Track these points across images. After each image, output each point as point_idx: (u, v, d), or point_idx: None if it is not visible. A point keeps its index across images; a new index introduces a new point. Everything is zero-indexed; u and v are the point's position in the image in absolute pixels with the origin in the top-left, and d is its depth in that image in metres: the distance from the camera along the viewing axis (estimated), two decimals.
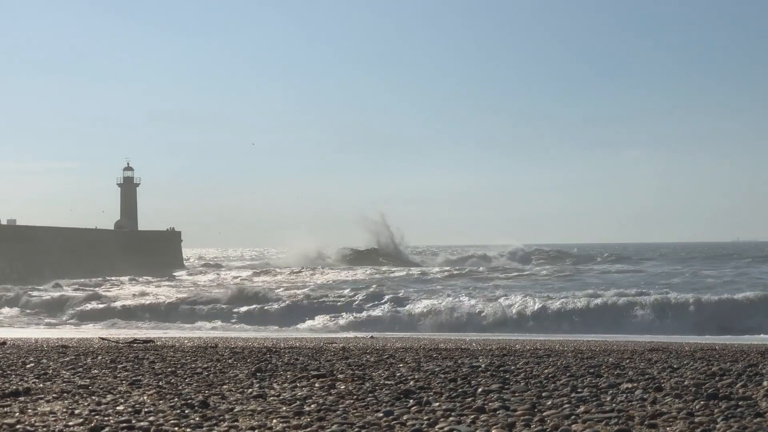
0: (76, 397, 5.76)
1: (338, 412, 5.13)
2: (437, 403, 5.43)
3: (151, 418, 4.86)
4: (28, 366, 7.83)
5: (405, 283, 44.09)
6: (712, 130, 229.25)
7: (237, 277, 53.87)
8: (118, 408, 5.23)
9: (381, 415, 5.01)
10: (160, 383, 6.52)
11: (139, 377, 6.93)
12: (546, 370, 7.39)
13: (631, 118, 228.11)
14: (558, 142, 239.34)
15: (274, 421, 4.84)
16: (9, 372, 7.31)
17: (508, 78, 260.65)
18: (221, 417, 4.94)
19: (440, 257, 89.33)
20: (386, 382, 6.56)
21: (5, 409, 5.15)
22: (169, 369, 7.64)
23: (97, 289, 41.14)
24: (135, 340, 13.46)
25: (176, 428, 4.63)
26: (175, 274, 62.72)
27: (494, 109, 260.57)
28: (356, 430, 4.62)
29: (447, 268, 60.57)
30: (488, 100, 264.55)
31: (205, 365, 7.99)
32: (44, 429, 4.58)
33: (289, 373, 7.28)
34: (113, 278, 49.96)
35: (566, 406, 5.29)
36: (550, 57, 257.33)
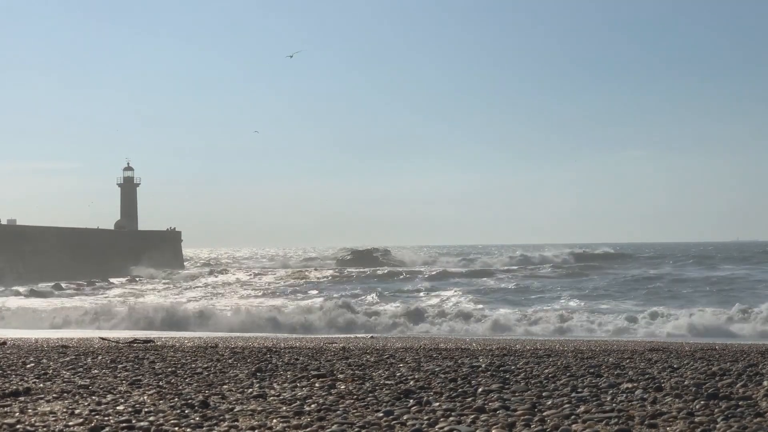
0: (76, 397, 5.75)
1: (338, 412, 5.13)
2: (437, 403, 5.43)
3: (151, 418, 4.86)
4: (28, 366, 7.83)
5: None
6: (711, 130, 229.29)
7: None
8: (118, 408, 5.23)
9: (381, 415, 5.00)
10: (160, 383, 6.52)
11: (139, 377, 6.93)
12: (546, 370, 7.39)
13: (631, 119, 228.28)
14: (560, 142, 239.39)
15: (274, 421, 4.83)
16: (9, 372, 7.31)
17: (510, 78, 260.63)
18: (221, 417, 4.94)
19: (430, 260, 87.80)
20: (386, 382, 6.56)
21: (5, 409, 5.15)
22: (169, 369, 7.64)
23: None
24: (135, 340, 13.47)
25: (176, 428, 4.62)
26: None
27: (497, 109, 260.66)
28: (356, 430, 4.61)
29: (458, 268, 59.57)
30: (492, 101, 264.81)
31: (205, 365, 7.99)
32: (44, 429, 4.58)
33: (289, 373, 7.28)
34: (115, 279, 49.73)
35: (566, 406, 5.29)
36: (551, 57, 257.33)
